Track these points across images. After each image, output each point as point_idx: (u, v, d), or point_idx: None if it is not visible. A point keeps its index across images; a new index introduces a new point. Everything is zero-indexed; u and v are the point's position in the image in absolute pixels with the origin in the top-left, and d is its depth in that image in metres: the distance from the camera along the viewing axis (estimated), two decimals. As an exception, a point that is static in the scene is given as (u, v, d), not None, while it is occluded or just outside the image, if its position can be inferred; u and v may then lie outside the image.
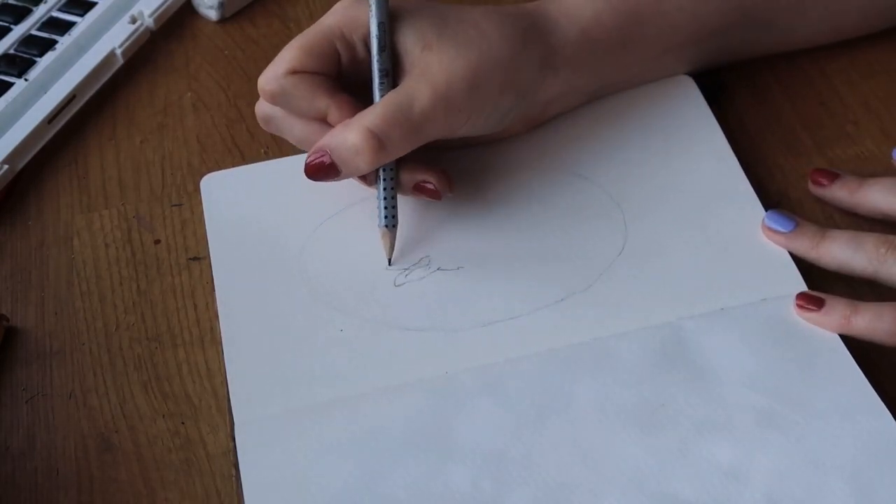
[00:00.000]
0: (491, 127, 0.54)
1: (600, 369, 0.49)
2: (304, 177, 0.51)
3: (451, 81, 0.50)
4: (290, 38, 0.61)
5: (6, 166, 0.59)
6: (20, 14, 0.66)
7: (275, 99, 0.52)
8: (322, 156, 0.50)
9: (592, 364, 0.49)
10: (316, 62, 0.51)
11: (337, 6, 0.53)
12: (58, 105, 0.62)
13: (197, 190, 0.58)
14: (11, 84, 0.62)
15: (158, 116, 0.63)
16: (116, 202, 0.58)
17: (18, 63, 0.63)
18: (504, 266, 0.53)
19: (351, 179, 0.53)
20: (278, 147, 0.60)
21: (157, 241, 0.56)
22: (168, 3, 0.68)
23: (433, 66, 0.51)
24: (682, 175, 0.56)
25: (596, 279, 0.52)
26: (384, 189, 0.52)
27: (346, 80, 0.53)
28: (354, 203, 0.56)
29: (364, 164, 0.50)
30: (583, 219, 0.55)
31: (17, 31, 0.65)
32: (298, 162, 0.58)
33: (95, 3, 0.67)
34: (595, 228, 0.54)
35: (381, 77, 0.52)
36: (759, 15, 0.58)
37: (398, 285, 0.53)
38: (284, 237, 0.55)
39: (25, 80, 0.62)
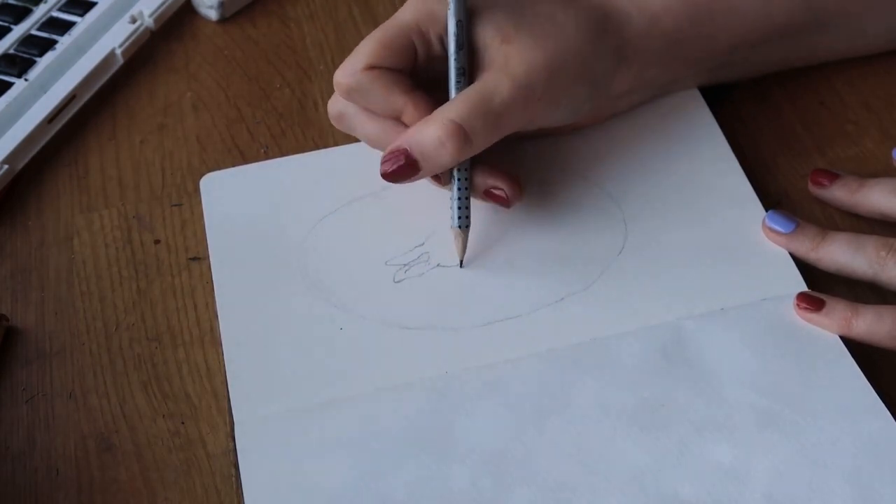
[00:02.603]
0: (565, 118, 0.54)
1: (600, 369, 0.49)
2: (381, 178, 0.51)
3: (530, 72, 0.50)
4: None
5: (6, 166, 0.59)
6: (20, 14, 0.66)
7: (350, 94, 0.51)
8: (399, 155, 0.50)
9: (592, 364, 0.49)
10: (393, 58, 0.51)
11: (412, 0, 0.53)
12: (58, 105, 0.62)
13: (197, 190, 0.58)
14: (11, 84, 0.62)
15: (158, 116, 0.63)
16: (116, 202, 0.58)
17: (18, 63, 0.63)
18: (504, 265, 0.53)
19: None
20: (278, 147, 0.60)
21: (157, 241, 0.56)
22: (168, 3, 0.68)
23: (512, 58, 0.50)
24: (683, 175, 0.56)
25: (596, 279, 0.52)
26: (458, 189, 0.52)
27: (419, 76, 0.52)
28: (353, 201, 0.56)
29: (448, 156, 0.49)
30: (583, 218, 0.55)
31: (17, 31, 0.65)
32: (298, 162, 0.59)
33: (95, 3, 0.67)
34: (595, 228, 0.54)
35: (458, 75, 0.51)
36: (829, 17, 0.57)
37: (398, 282, 0.53)
38: (284, 237, 0.55)
39: (25, 80, 0.62)
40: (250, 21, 0.69)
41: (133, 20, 0.67)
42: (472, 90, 0.50)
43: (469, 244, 0.53)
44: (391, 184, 0.51)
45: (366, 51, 0.51)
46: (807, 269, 0.52)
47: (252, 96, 0.64)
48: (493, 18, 0.52)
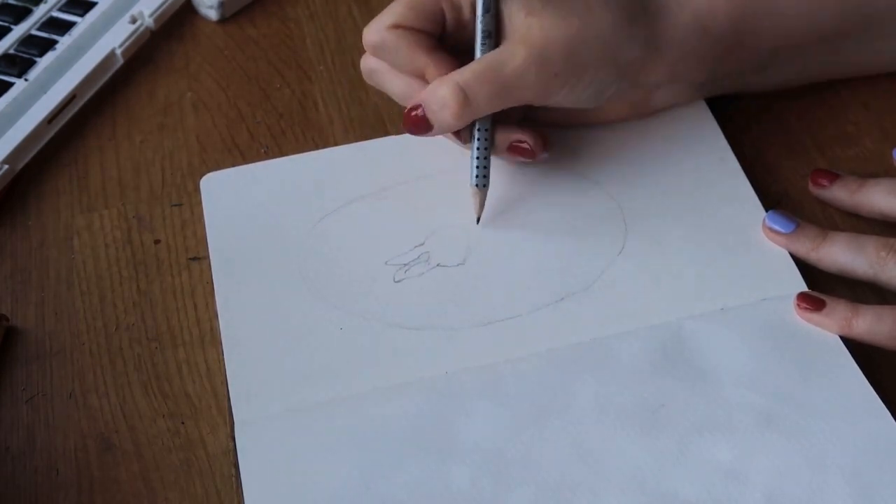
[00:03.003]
0: (587, 101, 0.54)
1: (600, 369, 0.49)
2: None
3: (548, 45, 0.51)
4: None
5: (6, 166, 0.59)
6: (20, 14, 0.66)
7: (376, 51, 0.53)
8: (416, 110, 0.51)
9: (592, 364, 0.49)
10: (420, 19, 0.52)
11: None
12: (58, 105, 0.62)
13: (197, 190, 0.58)
14: (11, 84, 0.62)
15: (158, 116, 0.63)
16: (116, 202, 0.58)
17: (18, 63, 0.63)
18: (504, 265, 0.53)
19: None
20: (278, 147, 0.60)
21: (157, 241, 0.56)
22: (168, 3, 0.68)
23: (533, 29, 0.51)
24: (683, 175, 0.56)
25: (596, 279, 0.52)
26: (477, 148, 0.53)
27: (450, 41, 0.54)
28: (353, 201, 0.56)
29: (450, 117, 0.51)
30: (583, 218, 0.55)
31: (17, 31, 0.65)
32: (298, 162, 0.59)
33: (95, 3, 0.67)
34: (595, 228, 0.54)
35: (483, 38, 0.52)
36: (880, 25, 0.57)
37: (398, 281, 0.53)
38: (284, 237, 0.55)
39: (25, 80, 0.62)
40: (250, 21, 0.69)
41: (133, 20, 0.67)
42: (486, 56, 0.51)
43: (469, 242, 0.53)
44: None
45: (393, 11, 0.52)
46: (807, 270, 0.52)
47: (252, 96, 0.64)
48: None
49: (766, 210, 0.54)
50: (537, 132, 0.54)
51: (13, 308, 0.54)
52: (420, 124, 0.52)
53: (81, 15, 0.66)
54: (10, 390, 0.51)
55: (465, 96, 0.50)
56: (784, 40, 0.56)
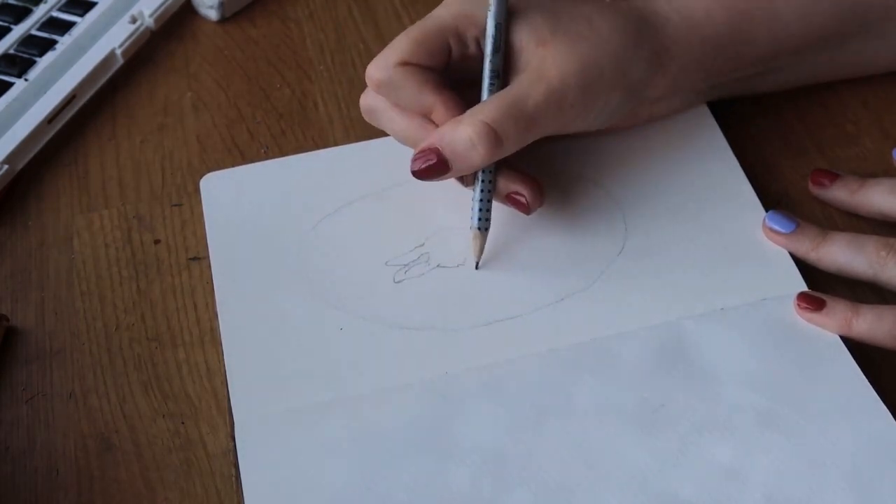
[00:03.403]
0: (599, 123, 0.54)
1: (600, 369, 0.49)
2: (412, 175, 0.51)
3: (565, 77, 0.50)
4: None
5: (6, 166, 0.59)
6: (20, 14, 0.66)
7: (381, 89, 0.52)
8: (431, 154, 0.50)
9: (592, 364, 0.49)
10: (427, 55, 0.51)
11: None
12: (58, 105, 0.62)
13: (197, 190, 0.58)
14: (11, 84, 0.62)
15: (158, 116, 0.63)
16: (116, 202, 0.58)
17: (18, 63, 0.63)
18: (504, 265, 0.53)
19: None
20: (278, 147, 0.60)
21: (157, 241, 0.56)
22: (168, 3, 0.68)
23: (547, 61, 0.50)
24: (683, 175, 0.56)
25: (596, 279, 0.52)
26: (481, 191, 0.52)
27: (452, 75, 0.53)
28: (353, 201, 0.56)
29: (479, 158, 0.50)
30: (583, 218, 0.55)
31: (17, 31, 0.65)
32: (298, 162, 0.59)
33: (95, 3, 0.67)
34: (595, 228, 0.54)
35: (491, 78, 0.52)
36: (876, 23, 0.56)
37: (398, 282, 0.53)
38: (284, 237, 0.55)
39: (25, 80, 0.62)
40: (250, 21, 0.69)
41: (133, 20, 0.67)
42: (505, 93, 0.50)
43: (469, 242, 0.53)
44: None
45: (400, 46, 0.51)
46: (807, 269, 0.52)
47: (252, 96, 0.64)
48: (530, 20, 0.52)
49: (766, 210, 0.54)
50: (536, 185, 0.52)
51: (13, 308, 0.54)
52: (436, 169, 0.50)
53: (81, 15, 0.66)
54: (10, 390, 0.51)
55: (496, 135, 0.49)
56: (783, 46, 0.56)
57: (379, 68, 0.51)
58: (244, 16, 0.69)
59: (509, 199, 0.53)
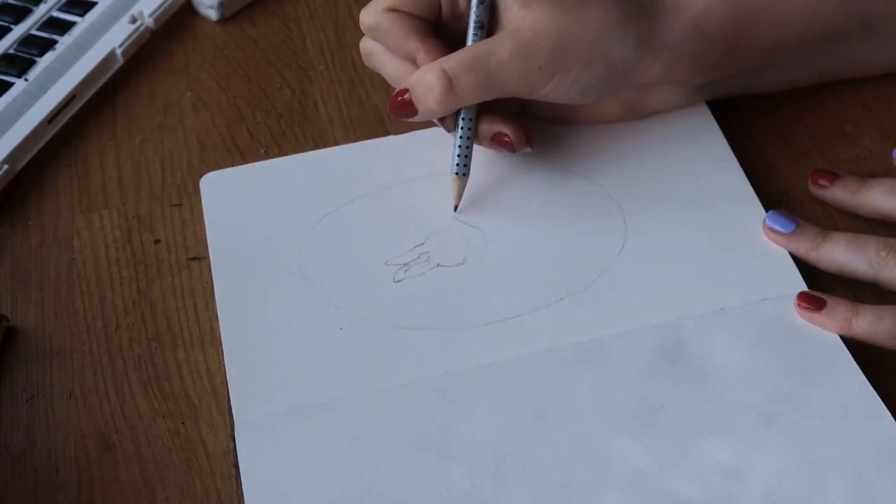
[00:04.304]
0: (575, 97, 0.54)
1: (600, 369, 0.49)
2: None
3: (536, 39, 0.51)
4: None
5: (6, 166, 0.59)
6: (20, 14, 0.66)
7: (371, 32, 0.54)
8: (402, 93, 0.52)
9: (592, 364, 0.49)
10: (415, 4, 0.53)
11: None
12: (58, 105, 0.62)
13: (197, 190, 0.58)
14: (11, 84, 0.62)
15: (158, 116, 0.63)
16: (116, 202, 0.58)
17: (18, 63, 0.63)
18: (504, 265, 0.53)
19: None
20: (278, 147, 0.60)
21: (157, 241, 0.56)
22: (168, 3, 0.68)
23: (526, 22, 0.51)
24: (683, 174, 0.56)
25: (596, 279, 0.52)
26: (460, 137, 0.54)
27: (445, 30, 0.54)
28: (353, 201, 0.56)
29: (434, 103, 0.51)
30: (583, 218, 0.55)
31: (17, 31, 0.65)
32: (298, 162, 0.59)
33: (95, 3, 0.67)
34: (595, 227, 0.54)
35: (475, 28, 0.53)
36: (878, 24, 0.56)
37: (398, 281, 0.53)
38: (283, 236, 0.55)
39: (25, 80, 0.62)
40: (250, 21, 0.69)
41: (133, 20, 0.67)
42: (474, 46, 0.52)
43: (469, 242, 0.53)
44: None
45: None
46: (807, 270, 0.52)
47: (252, 96, 0.64)
48: None
49: (766, 210, 0.54)
50: (520, 126, 0.54)
51: (13, 308, 0.54)
52: (405, 108, 0.52)
53: (81, 15, 0.66)
54: (10, 390, 0.51)
55: (449, 83, 0.51)
56: (783, 42, 0.56)
57: (369, 13, 0.54)
58: (244, 16, 0.69)
59: (495, 141, 0.54)
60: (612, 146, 0.57)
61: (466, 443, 0.46)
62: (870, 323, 0.48)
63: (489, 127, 0.54)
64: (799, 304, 0.49)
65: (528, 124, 0.55)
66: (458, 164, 0.54)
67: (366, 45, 0.56)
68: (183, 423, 0.49)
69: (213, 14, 0.68)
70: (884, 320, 0.48)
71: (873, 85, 0.61)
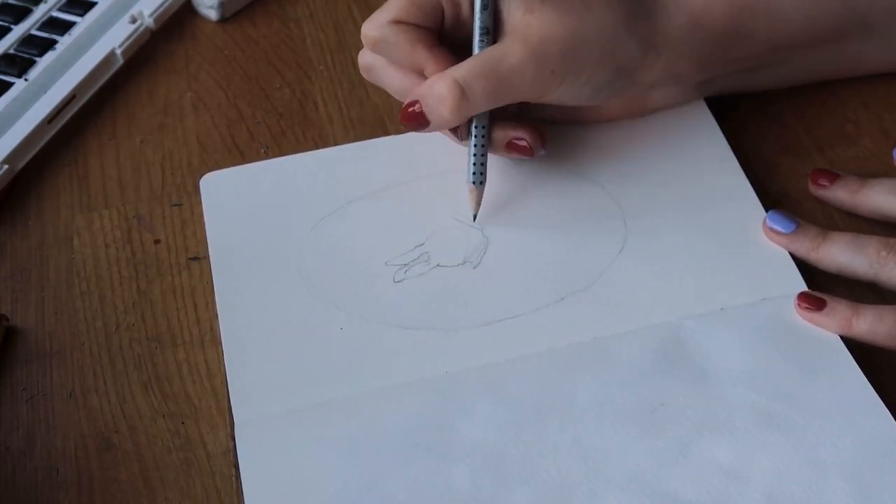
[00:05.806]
0: (585, 98, 0.54)
1: (600, 369, 0.49)
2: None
3: (545, 43, 0.51)
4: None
5: (6, 166, 0.59)
6: (20, 14, 0.66)
7: (376, 46, 0.53)
8: (413, 105, 0.52)
9: (592, 364, 0.49)
10: (420, 14, 0.52)
11: None
12: (58, 105, 0.62)
13: (197, 190, 0.58)
14: (11, 84, 0.62)
15: (158, 116, 0.63)
16: (116, 202, 0.58)
17: (18, 63, 0.63)
18: (504, 265, 0.53)
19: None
20: (278, 147, 0.60)
21: (157, 241, 0.56)
22: (168, 3, 0.68)
23: (532, 27, 0.51)
24: (683, 175, 0.56)
25: (596, 279, 0.52)
26: (475, 145, 0.53)
27: (449, 38, 0.54)
28: (353, 201, 0.56)
29: (447, 113, 0.51)
30: (583, 218, 0.55)
31: (17, 31, 0.65)
32: (298, 162, 0.59)
33: (95, 3, 0.67)
34: (595, 228, 0.54)
35: (481, 34, 0.52)
36: (877, 22, 0.56)
37: (398, 282, 0.53)
38: (284, 236, 0.55)
39: (25, 80, 0.62)
40: (250, 21, 0.69)
41: (133, 20, 0.67)
42: (484, 53, 0.51)
43: (468, 242, 0.53)
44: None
45: (393, 5, 0.52)
46: (807, 269, 0.52)
47: (252, 96, 0.64)
48: None
49: (766, 210, 0.54)
50: (535, 129, 0.54)
51: (13, 308, 0.54)
52: (417, 120, 0.52)
53: (81, 15, 0.66)
54: (10, 390, 0.51)
55: (462, 92, 0.50)
56: (782, 40, 0.56)
57: (373, 26, 0.53)
58: (244, 16, 0.69)
59: (511, 147, 0.54)
60: (612, 146, 0.57)
61: (466, 442, 0.46)
62: (870, 323, 0.48)
63: (503, 134, 0.53)
64: (799, 305, 0.50)
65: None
66: (474, 173, 0.53)
67: (366, 58, 0.55)
68: (183, 423, 0.49)
69: (213, 14, 0.68)
70: (884, 320, 0.48)
71: (873, 85, 0.61)
